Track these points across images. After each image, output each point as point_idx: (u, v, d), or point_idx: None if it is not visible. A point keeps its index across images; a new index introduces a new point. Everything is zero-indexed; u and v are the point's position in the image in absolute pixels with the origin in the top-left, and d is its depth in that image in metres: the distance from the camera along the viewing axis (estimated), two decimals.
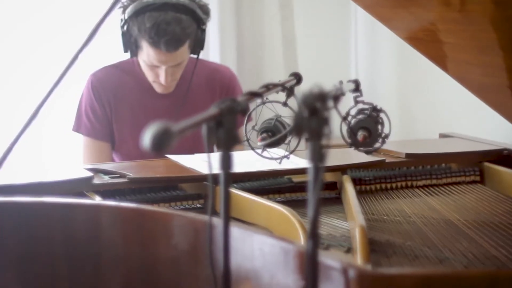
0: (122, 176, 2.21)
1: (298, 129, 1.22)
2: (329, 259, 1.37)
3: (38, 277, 1.81)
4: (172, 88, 2.89)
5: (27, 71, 3.66)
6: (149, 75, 2.84)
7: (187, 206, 2.16)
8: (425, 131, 3.85)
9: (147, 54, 2.75)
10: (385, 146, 2.50)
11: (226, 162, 1.31)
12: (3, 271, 1.83)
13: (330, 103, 1.28)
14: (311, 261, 1.21)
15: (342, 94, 1.70)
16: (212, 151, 1.31)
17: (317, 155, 1.23)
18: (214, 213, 1.39)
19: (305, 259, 1.21)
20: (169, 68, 2.78)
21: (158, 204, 2.11)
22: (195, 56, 2.87)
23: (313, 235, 1.23)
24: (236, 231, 1.53)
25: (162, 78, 2.80)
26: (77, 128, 2.97)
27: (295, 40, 4.21)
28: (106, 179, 2.20)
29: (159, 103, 2.91)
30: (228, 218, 1.31)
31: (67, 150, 3.77)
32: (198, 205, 2.16)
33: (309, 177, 1.20)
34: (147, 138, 1.11)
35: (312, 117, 1.20)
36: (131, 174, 2.19)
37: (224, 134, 1.30)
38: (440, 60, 2.37)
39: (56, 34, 3.65)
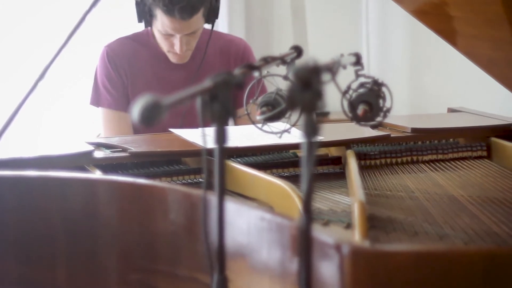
0: (123, 150, 2.19)
1: (291, 103, 1.20)
2: (324, 234, 1.35)
3: (37, 252, 1.80)
4: (187, 58, 2.88)
5: (27, 71, 3.65)
6: (164, 45, 2.83)
7: (189, 180, 2.15)
8: (436, 106, 3.82)
9: (161, 23, 2.73)
10: (391, 121, 2.47)
11: (221, 136, 1.29)
12: (2, 245, 1.82)
13: (326, 76, 1.26)
14: (304, 236, 1.19)
15: (342, 67, 1.67)
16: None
17: (310, 129, 1.21)
18: (211, 187, 1.37)
19: (298, 234, 1.20)
20: (183, 36, 2.77)
21: (160, 178, 2.10)
22: (209, 27, 2.86)
23: (307, 210, 1.20)
24: (231, 206, 1.52)
25: (177, 47, 2.78)
26: (96, 101, 2.94)
27: (304, 11, 4.17)
28: (108, 153, 2.19)
29: (174, 75, 2.90)
30: (223, 193, 1.30)
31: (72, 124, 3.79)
32: (200, 180, 2.14)
33: (302, 152, 1.18)
34: (135, 111, 1.09)
35: (305, 90, 1.18)
36: (133, 148, 2.17)
37: (219, 107, 1.28)
38: (447, 34, 2.34)
39: (56, 34, 3.64)
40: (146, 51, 2.92)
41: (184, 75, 2.89)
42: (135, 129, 2.90)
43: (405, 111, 4.00)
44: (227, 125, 1.28)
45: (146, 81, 2.90)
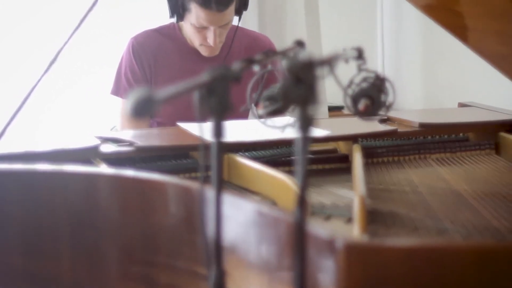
0: (130, 144, 2.20)
1: (285, 98, 1.21)
2: (318, 229, 1.35)
3: (41, 244, 1.82)
4: (218, 51, 2.91)
5: (27, 71, 3.67)
6: (196, 38, 2.85)
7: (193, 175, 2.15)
8: (450, 100, 3.81)
9: (196, 16, 2.75)
10: (399, 115, 2.47)
11: (218, 130, 1.30)
12: (7, 237, 1.84)
13: (321, 71, 1.26)
14: (298, 231, 1.19)
15: (344, 61, 1.66)
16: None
17: (304, 123, 1.21)
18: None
19: (292, 228, 1.20)
20: (217, 28, 2.80)
21: (166, 173, 2.10)
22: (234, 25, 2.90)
23: (301, 204, 1.21)
24: (229, 200, 1.52)
25: (210, 40, 2.81)
26: (116, 91, 2.97)
27: (318, 5, 4.16)
28: (114, 147, 2.19)
29: (199, 69, 2.90)
30: (220, 188, 1.30)
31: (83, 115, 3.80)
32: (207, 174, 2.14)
33: (296, 146, 1.19)
34: (129, 103, 1.10)
35: (298, 85, 1.18)
36: (139, 142, 2.18)
37: (216, 102, 1.29)
38: (456, 29, 2.33)
39: (57, 34, 3.65)
40: (172, 44, 2.95)
41: None
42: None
43: (418, 105, 3.99)
44: (224, 119, 1.29)
45: (171, 74, 2.92)
